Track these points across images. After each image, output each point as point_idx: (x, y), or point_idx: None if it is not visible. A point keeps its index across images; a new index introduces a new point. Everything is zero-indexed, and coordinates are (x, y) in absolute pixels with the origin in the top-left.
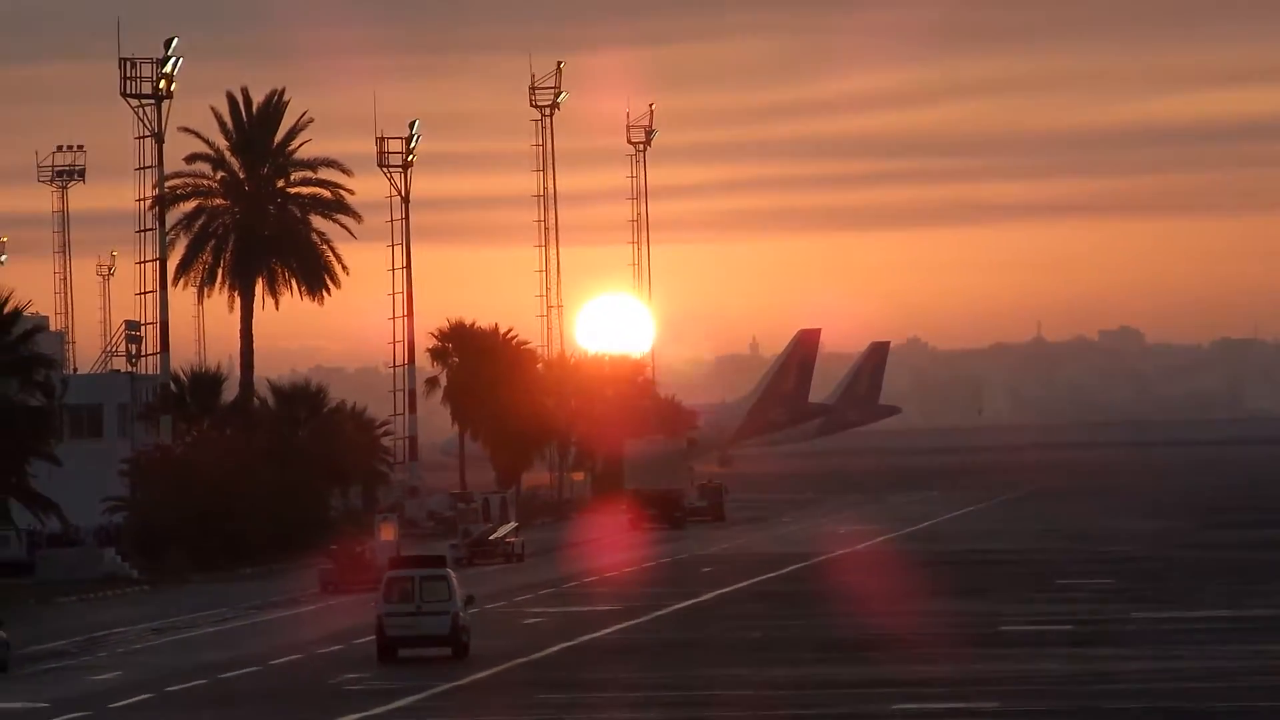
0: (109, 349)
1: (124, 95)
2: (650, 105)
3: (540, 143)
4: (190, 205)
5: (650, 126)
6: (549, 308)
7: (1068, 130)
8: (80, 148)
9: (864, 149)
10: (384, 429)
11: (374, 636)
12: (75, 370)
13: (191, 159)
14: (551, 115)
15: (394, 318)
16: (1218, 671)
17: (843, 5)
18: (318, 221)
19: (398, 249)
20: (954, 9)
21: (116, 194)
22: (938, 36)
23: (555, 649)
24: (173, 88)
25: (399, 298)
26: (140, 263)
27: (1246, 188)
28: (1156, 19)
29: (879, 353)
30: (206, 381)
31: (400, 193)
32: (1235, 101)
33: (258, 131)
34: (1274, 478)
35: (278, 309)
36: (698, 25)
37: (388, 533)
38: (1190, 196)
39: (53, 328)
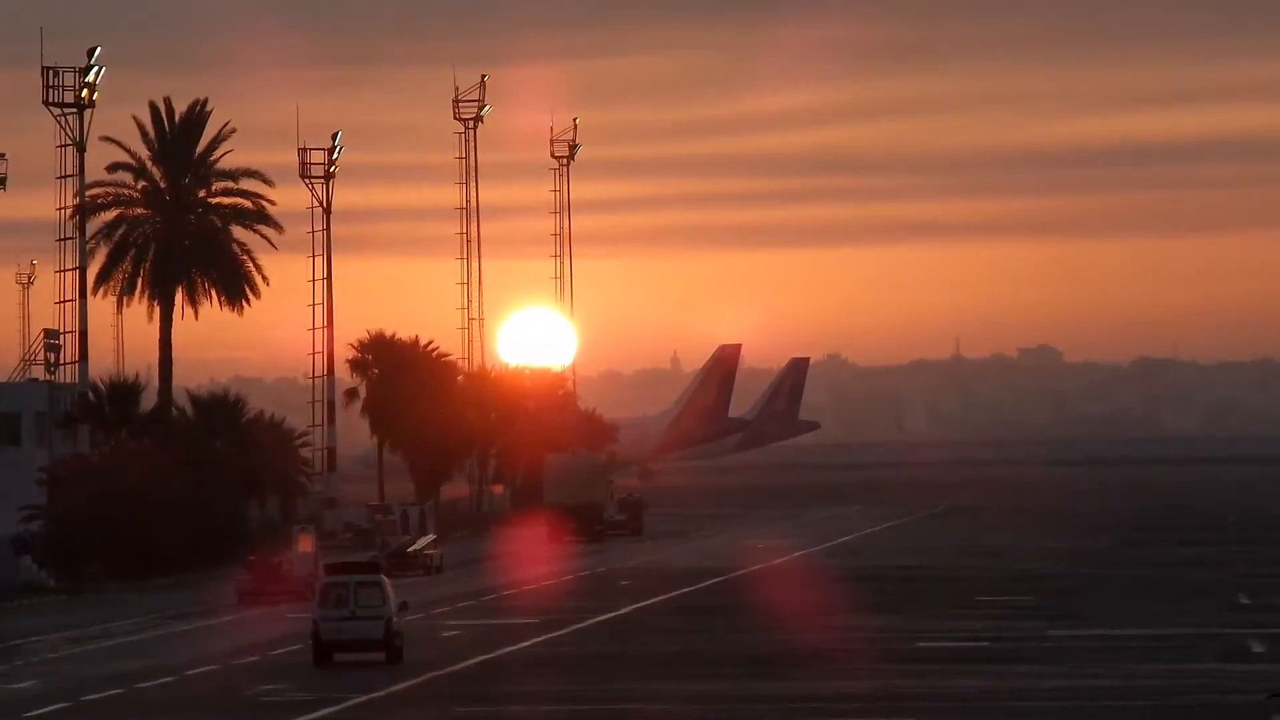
0: (27, 357)
1: (46, 103)
2: (574, 120)
3: (463, 155)
4: (111, 214)
5: (574, 141)
6: (470, 320)
7: (987, 150)
8: (1, 155)
9: (784, 167)
10: (302, 440)
11: (308, 643)
12: None
13: (113, 168)
14: (475, 128)
15: (314, 328)
16: (1135, 690)
17: (761, 23)
18: (239, 232)
19: (318, 260)
20: (872, 28)
21: (37, 202)
22: (856, 55)
23: (473, 661)
24: (95, 96)
25: (319, 309)
26: (60, 271)
27: (1167, 209)
28: (1075, 40)
29: (799, 368)
30: (125, 391)
31: (322, 204)
32: (1156, 122)
33: (180, 141)
34: (1191, 497)
35: (197, 319)
36: (615, 40)
37: (305, 544)
38: (1110, 217)
39: None
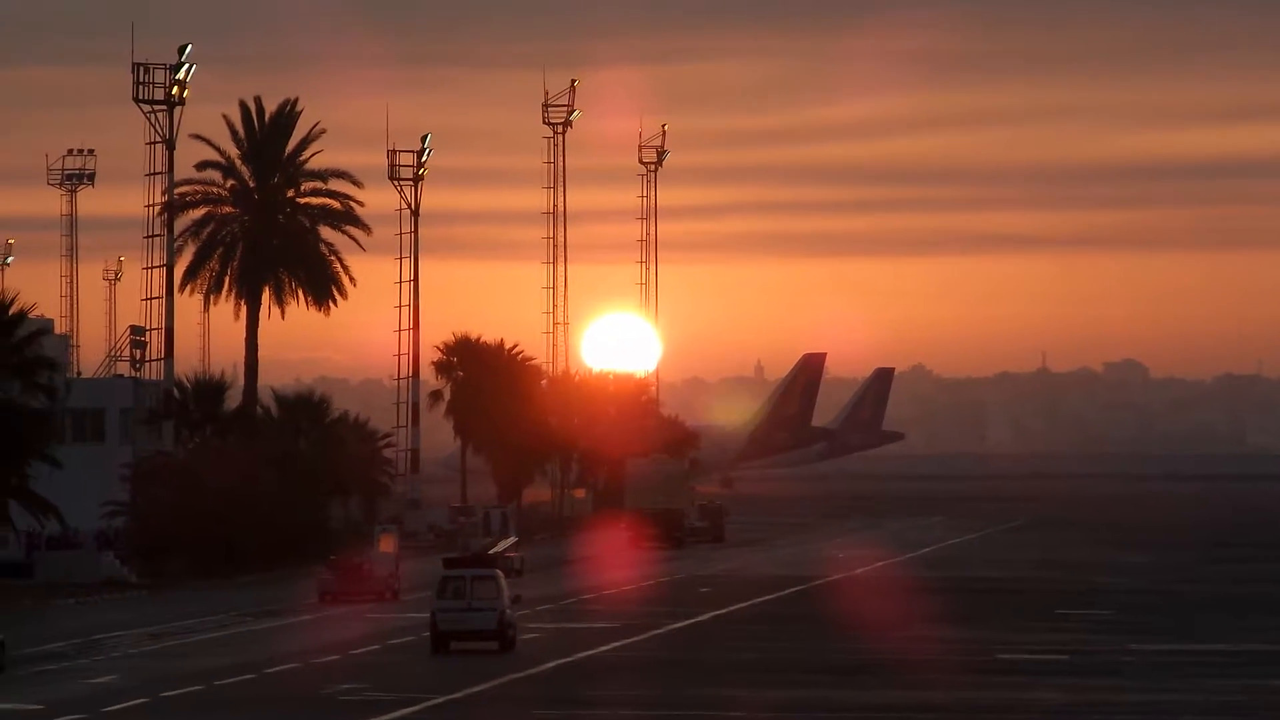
0: (113, 353)
1: (136, 100)
2: (663, 126)
3: (551, 160)
4: (199, 212)
5: (662, 147)
6: (555, 324)
7: (1072, 162)
8: (91, 152)
9: (871, 176)
10: (386, 441)
11: (427, 631)
12: (79, 374)
13: (202, 166)
14: (564, 132)
15: (400, 330)
16: (1213, 705)
17: (845, 30)
18: (326, 232)
19: (405, 262)
20: (953, 39)
21: (125, 199)
22: (937, 65)
23: (552, 665)
24: (185, 94)
25: (405, 310)
26: (147, 268)
27: (1253, 223)
28: (1159, 52)
29: (883, 379)
30: (210, 389)
31: (410, 206)
32: (1243, 136)
33: (269, 141)
34: (1274, 513)
35: (284, 318)
36: (700, 46)
37: (387, 544)
38: (1197, 232)
39: (58, 331)
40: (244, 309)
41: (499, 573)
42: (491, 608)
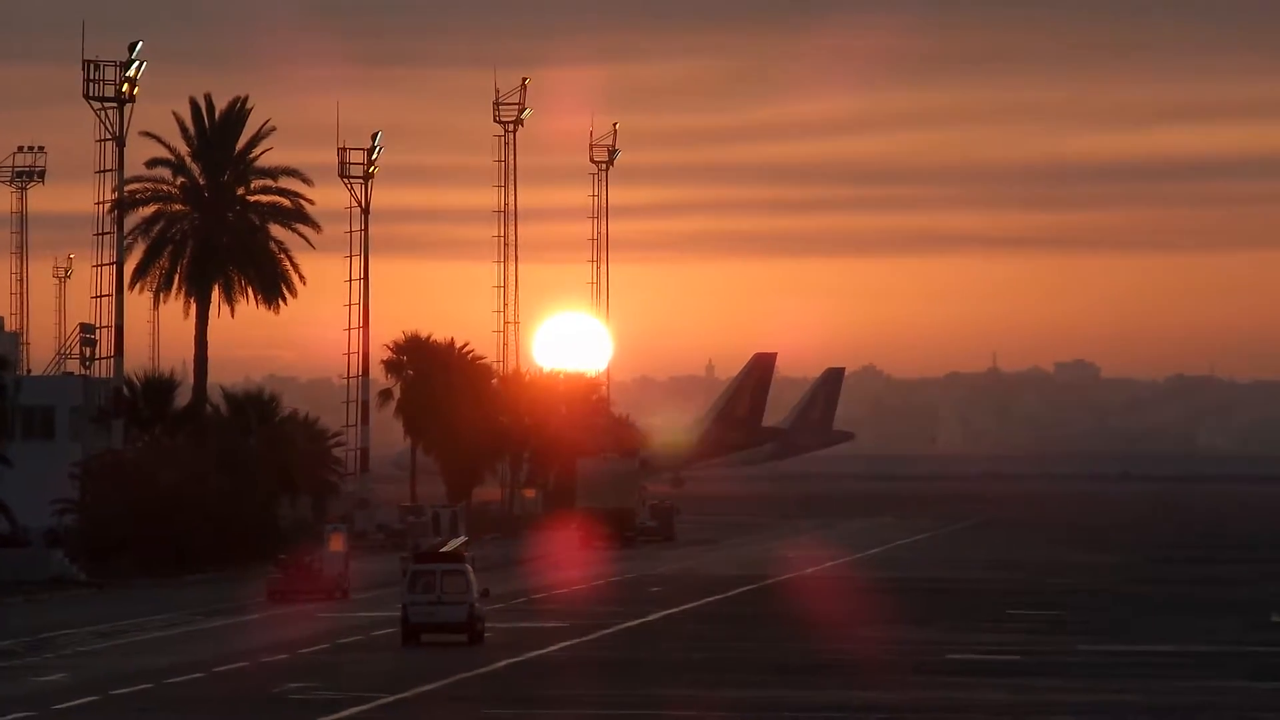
0: (63, 351)
1: (86, 97)
2: (614, 125)
3: (502, 158)
4: (149, 210)
5: (613, 146)
6: (506, 323)
7: (1027, 162)
8: (41, 149)
9: (822, 175)
10: (336, 440)
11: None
12: (29, 371)
13: (152, 164)
14: (515, 131)
15: (349, 329)
16: (1161, 706)
17: (800, 29)
18: (276, 230)
19: (356, 260)
20: (908, 38)
21: (76, 196)
22: (891, 64)
23: (502, 664)
24: (135, 91)
25: (355, 309)
26: (97, 266)
27: (1207, 225)
28: (1117, 52)
29: (834, 379)
30: (160, 387)
31: (360, 204)
32: (1196, 137)
33: (219, 138)
34: (1225, 516)
35: (233, 316)
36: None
37: (337, 544)
38: (1150, 232)
39: (7, 328)
40: (194, 307)
41: (468, 567)
42: (461, 601)
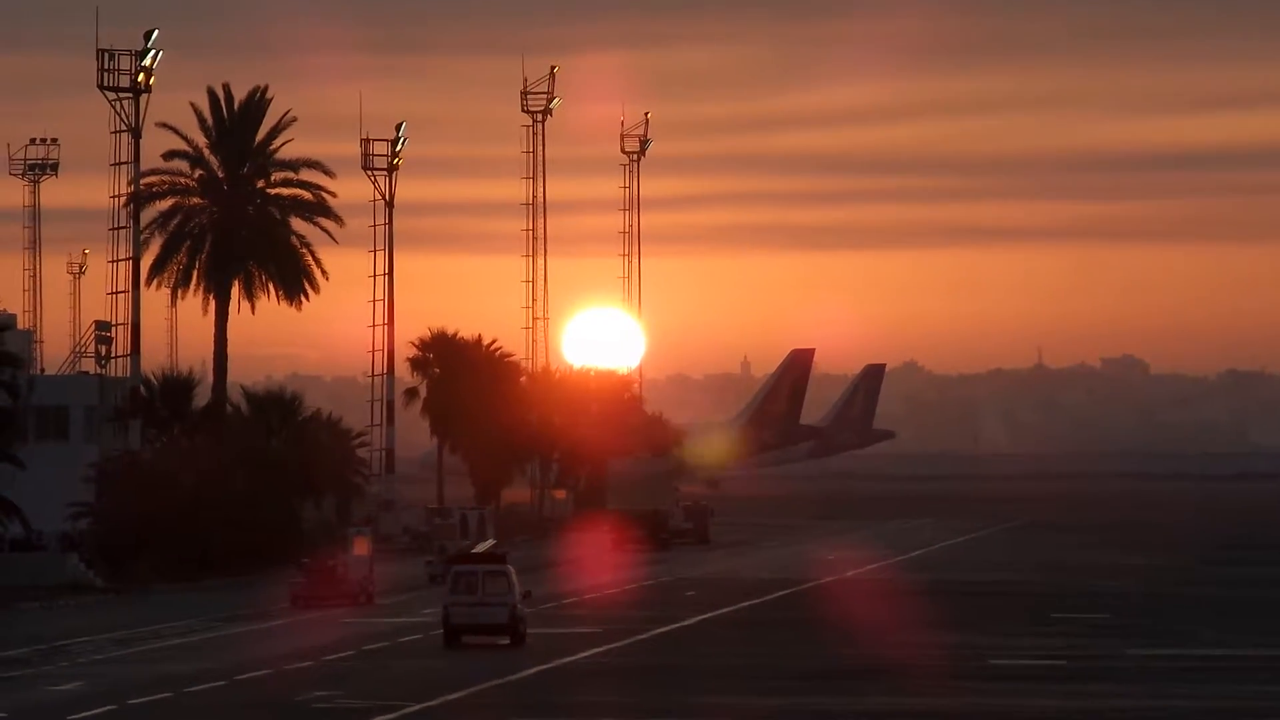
0: (78, 349)
1: (101, 88)
2: (646, 114)
3: (530, 149)
4: (167, 203)
5: (645, 135)
6: (535, 319)
7: (1072, 152)
8: (54, 141)
9: (861, 165)
10: (360, 440)
11: (440, 626)
12: (42, 370)
13: (169, 155)
14: (543, 121)
15: (374, 326)
16: (1212, 711)
17: (833, 14)
18: (298, 224)
19: (380, 255)
20: (945, 23)
21: (90, 190)
22: (930, 51)
23: (532, 671)
24: (151, 81)
25: (379, 305)
26: (113, 261)
27: (1260, 215)
28: (1163, 37)
29: (874, 375)
30: (178, 386)
31: (384, 196)
32: (1249, 124)
33: (238, 129)
34: (1276, 514)
35: (254, 313)
36: (683, 32)
37: (361, 547)
38: (1200, 223)
39: (20, 326)
40: (213, 303)
41: (510, 568)
42: (503, 603)
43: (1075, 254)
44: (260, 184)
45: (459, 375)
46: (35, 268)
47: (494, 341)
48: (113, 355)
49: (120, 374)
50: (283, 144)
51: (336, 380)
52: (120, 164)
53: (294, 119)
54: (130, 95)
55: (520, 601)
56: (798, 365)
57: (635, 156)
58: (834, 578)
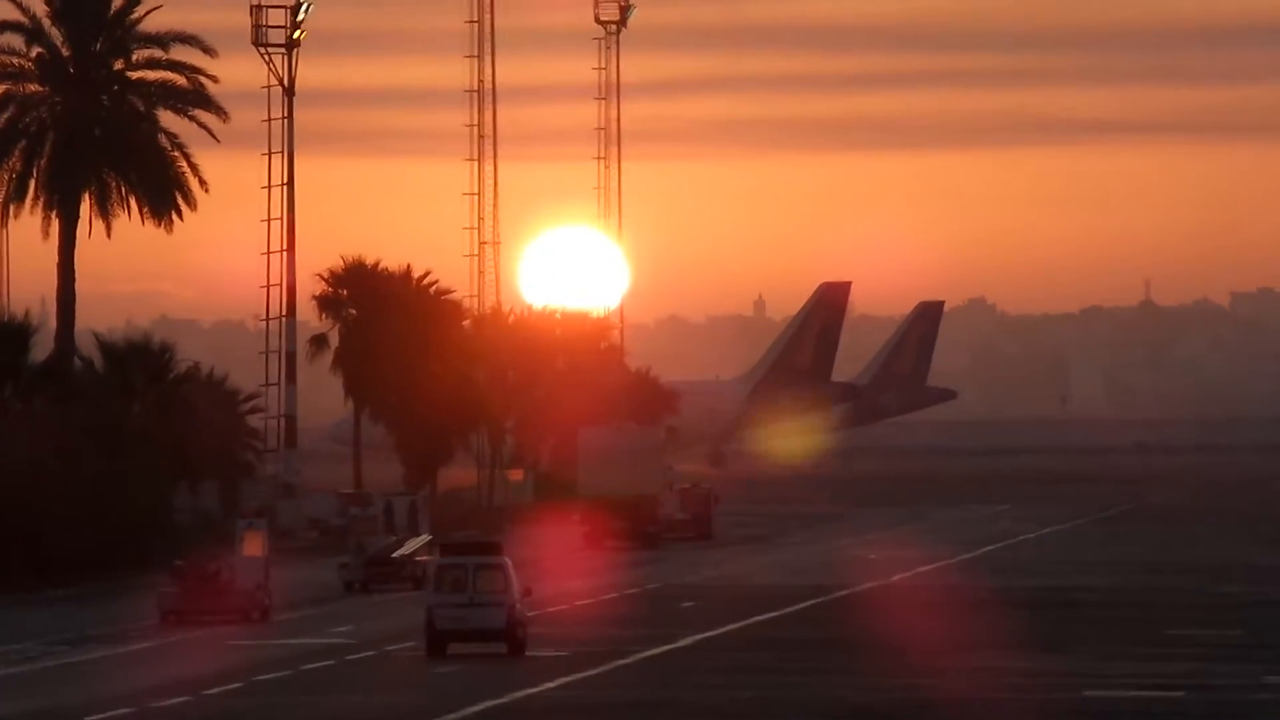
0: None
1: None
2: None
3: (476, 18)
4: None
5: (626, 2)
6: (482, 244)
7: (1179, 21)
8: None
9: (905, 39)
10: (251, 405)
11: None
12: None
13: None
14: None
15: (269, 253)
16: None
17: None
18: (167, 119)
19: (277, 159)
20: None
21: None
22: None
23: (480, 707)
24: None
25: (276, 225)
26: None
27: None
28: None
29: (929, 317)
30: (10, 333)
31: (282, 82)
32: None
33: None
34: None
35: (109, 237)
36: None
37: (253, 546)
38: None
39: None
40: (56, 223)
41: (507, 560)
42: (499, 603)
43: (1193, 156)
44: (118, 66)
45: (382, 318)
46: None
47: (427, 274)
48: None
49: None
50: (147, 12)
51: (218, 325)
52: None
53: None
54: None
55: (520, 601)
56: (828, 304)
57: (614, 28)
58: (876, 584)
